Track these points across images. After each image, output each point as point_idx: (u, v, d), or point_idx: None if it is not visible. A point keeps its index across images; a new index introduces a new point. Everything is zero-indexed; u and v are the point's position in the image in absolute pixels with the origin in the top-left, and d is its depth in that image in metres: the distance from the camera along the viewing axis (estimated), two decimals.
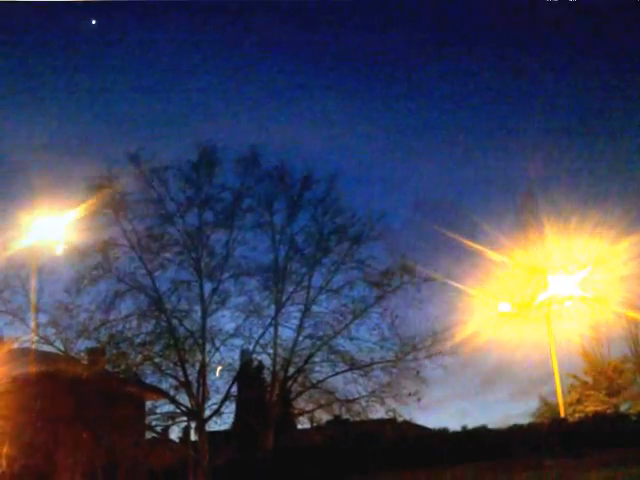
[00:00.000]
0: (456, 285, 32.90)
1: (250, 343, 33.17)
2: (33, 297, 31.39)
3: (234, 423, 34.77)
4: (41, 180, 31.82)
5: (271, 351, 33.24)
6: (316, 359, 33.32)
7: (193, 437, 36.18)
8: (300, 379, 33.35)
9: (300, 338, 33.12)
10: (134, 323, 32.18)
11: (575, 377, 40.37)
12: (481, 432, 27.86)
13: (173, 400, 32.78)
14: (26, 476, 33.60)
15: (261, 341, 33.17)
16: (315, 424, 36.30)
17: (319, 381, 33.33)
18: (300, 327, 33.12)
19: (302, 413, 34.87)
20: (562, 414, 31.99)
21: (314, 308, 33.55)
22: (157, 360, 32.37)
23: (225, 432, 34.85)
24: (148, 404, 35.59)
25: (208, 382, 32.29)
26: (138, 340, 32.05)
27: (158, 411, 34.02)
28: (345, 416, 34.12)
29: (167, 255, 32.84)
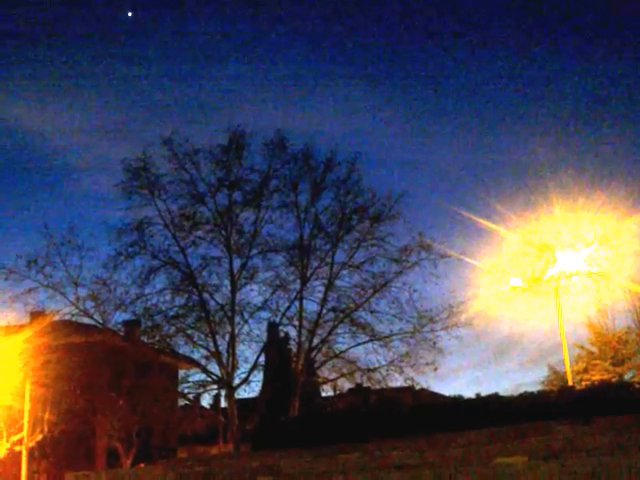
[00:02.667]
0: (470, 261, 33.99)
1: (277, 316, 34.85)
2: None
3: (262, 391, 35.95)
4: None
5: (296, 323, 34.72)
6: (339, 331, 34.88)
7: (223, 404, 38.09)
8: (324, 349, 34.84)
9: (324, 311, 34.55)
10: (168, 297, 33.77)
11: (582, 347, 40.87)
12: (493, 399, 28.29)
13: (204, 369, 34.26)
14: (65, 440, 35.49)
15: (287, 314, 34.76)
16: (338, 392, 37.51)
17: (341, 351, 34.87)
18: (324, 300, 34.44)
19: (326, 381, 36.32)
20: (570, 382, 32.30)
21: (337, 283, 34.94)
22: (189, 332, 33.91)
23: (253, 399, 35.89)
24: (181, 373, 37.32)
25: (237, 352, 33.76)
26: (171, 313, 33.62)
27: (190, 380, 35.58)
28: (366, 384, 35.71)
29: (199, 233, 34.29)
